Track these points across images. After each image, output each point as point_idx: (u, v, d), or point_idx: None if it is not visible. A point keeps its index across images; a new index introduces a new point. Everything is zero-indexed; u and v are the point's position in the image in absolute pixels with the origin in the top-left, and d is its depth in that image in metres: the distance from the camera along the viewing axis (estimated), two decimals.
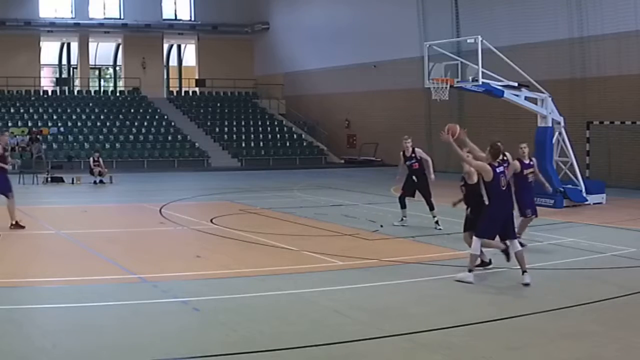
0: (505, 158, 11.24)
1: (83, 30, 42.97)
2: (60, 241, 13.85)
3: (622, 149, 24.39)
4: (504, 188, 10.07)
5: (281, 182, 27.21)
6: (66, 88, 43.26)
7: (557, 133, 19.54)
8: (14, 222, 14.64)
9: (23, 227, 14.62)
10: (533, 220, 12.90)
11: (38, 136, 33.80)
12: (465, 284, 9.95)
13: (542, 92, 19.25)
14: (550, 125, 19.27)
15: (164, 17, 44.81)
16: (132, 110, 40.92)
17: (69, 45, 44.98)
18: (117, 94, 43.93)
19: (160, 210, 17.71)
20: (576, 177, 19.52)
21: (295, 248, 12.72)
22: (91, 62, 45.06)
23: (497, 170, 10.01)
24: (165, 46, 46.38)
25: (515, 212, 11.36)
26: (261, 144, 39.63)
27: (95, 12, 43.42)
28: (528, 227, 12.84)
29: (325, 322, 8.20)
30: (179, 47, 47.86)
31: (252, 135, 40.49)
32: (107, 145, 36.08)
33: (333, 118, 40.07)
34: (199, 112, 42.40)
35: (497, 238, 10.32)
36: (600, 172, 23.32)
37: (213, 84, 44.43)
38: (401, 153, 15.65)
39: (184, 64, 48.08)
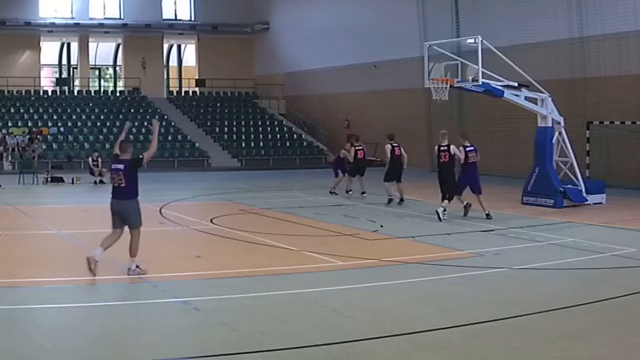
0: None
1: (83, 30, 42.96)
2: (60, 241, 13.85)
3: (622, 149, 24.37)
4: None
5: (281, 182, 27.21)
6: (66, 88, 43.24)
7: (557, 133, 19.52)
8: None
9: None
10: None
11: (38, 136, 33.79)
12: (464, 284, 9.96)
13: (542, 92, 19.23)
14: (550, 125, 19.25)
15: (164, 17, 44.78)
16: (132, 110, 40.89)
17: (69, 45, 44.97)
18: (117, 94, 43.90)
19: (160, 210, 17.71)
20: (576, 177, 19.50)
21: (295, 248, 12.72)
22: (91, 62, 45.05)
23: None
24: (165, 46, 46.37)
25: None
26: (261, 144, 39.61)
27: (95, 12, 43.40)
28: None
29: (325, 322, 8.20)
30: (179, 47, 47.86)
31: (252, 135, 40.46)
32: (107, 145, 36.01)
33: (333, 118, 40.07)
34: (199, 112, 42.39)
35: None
36: (600, 172, 23.31)
37: (213, 84, 44.41)
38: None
39: (184, 64, 48.06)
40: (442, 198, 16.76)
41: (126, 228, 10.65)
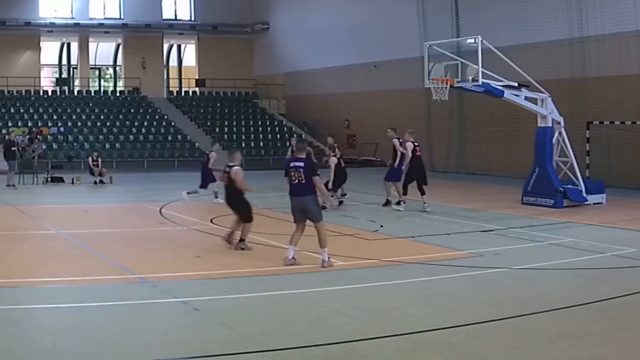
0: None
1: (83, 30, 42.96)
2: (60, 241, 13.84)
3: (622, 149, 24.36)
4: None
5: (281, 182, 27.00)
6: (66, 88, 43.23)
7: (557, 133, 19.51)
8: None
9: None
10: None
11: (38, 136, 33.77)
12: (464, 284, 9.96)
13: (542, 92, 19.23)
14: (550, 125, 19.25)
15: (164, 17, 44.79)
16: (132, 110, 40.90)
17: (69, 45, 44.96)
18: (117, 94, 43.91)
19: (160, 210, 17.71)
20: (576, 177, 19.51)
21: (296, 248, 12.70)
22: (91, 62, 45.05)
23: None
24: (165, 46, 46.36)
25: None
26: (261, 144, 39.60)
27: (95, 12, 43.41)
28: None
29: (325, 322, 8.20)
30: (179, 47, 47.85)
31: (252, 135, 40.47)
32: (107, 145, 36.07)
33: (333, 118, 40.04)
34: (199, 112, 42.39)
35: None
36: (600, 172, 23.30)
37: (213, 84, 44.40)
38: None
39: (184, 64, 48.06)
40: (422, 193, 18.04)
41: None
